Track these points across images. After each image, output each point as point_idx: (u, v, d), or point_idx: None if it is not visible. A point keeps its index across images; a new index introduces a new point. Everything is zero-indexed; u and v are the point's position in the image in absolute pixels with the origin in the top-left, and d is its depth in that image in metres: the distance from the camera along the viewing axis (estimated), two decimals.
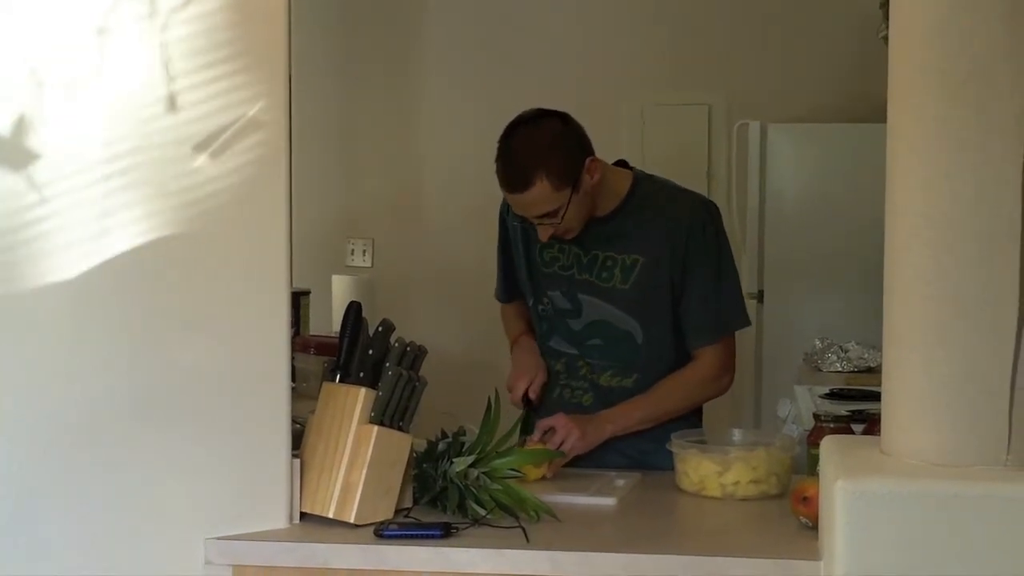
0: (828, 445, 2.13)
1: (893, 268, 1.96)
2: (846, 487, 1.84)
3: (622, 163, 2.96)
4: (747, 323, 2.89)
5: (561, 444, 2.72)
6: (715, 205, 2.91)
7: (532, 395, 2.91)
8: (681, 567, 2.14)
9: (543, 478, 2.65)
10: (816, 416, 2.63)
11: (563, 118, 2.77)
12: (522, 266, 2.98)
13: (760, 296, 5.22)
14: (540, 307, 2.96)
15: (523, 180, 2.67)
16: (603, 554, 2.18)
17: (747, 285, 5.20)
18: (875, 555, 1.82)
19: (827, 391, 4.06)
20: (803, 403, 3.93)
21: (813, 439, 2.59)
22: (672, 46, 5.53)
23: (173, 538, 2.27)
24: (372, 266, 5.77)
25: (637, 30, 5.53)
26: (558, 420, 2.75)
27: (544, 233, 2.78)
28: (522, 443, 2.66)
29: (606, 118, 5.41)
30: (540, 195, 2.68)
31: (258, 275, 2.31)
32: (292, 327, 4.06)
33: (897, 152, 1.95)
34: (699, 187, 5.42)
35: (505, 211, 3.00)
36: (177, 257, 2.25)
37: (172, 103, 2.22)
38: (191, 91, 2.23)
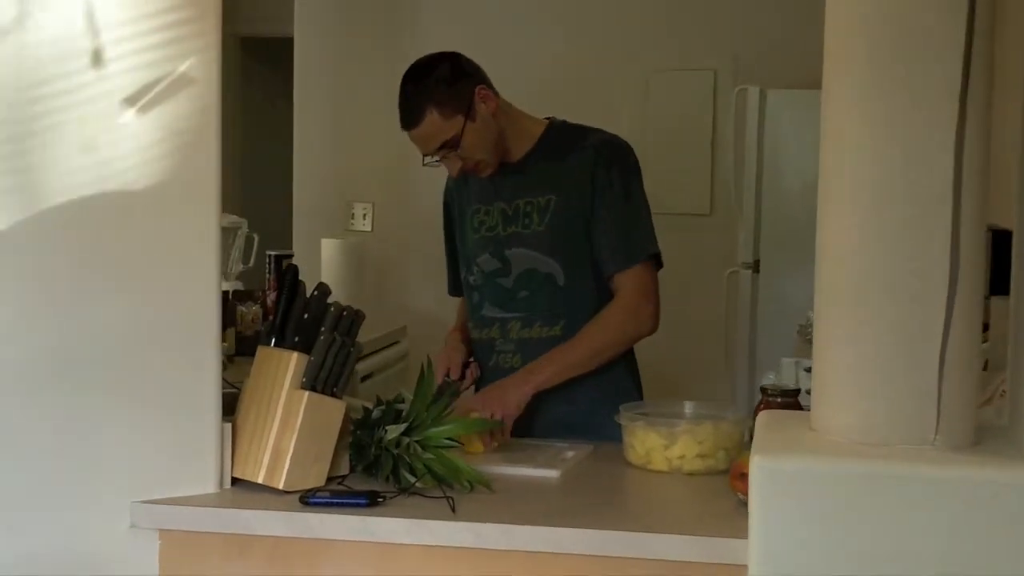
0: (762, 420, 2.04)
1: (823, 236, 1.87)
2: (760, 464, 1.76)
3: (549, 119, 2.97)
4: (657, 250, 2.84)
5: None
6: (625, 142, 2.90)
7: (453, 374, 2.94)
8: (604, 542, 2.08)
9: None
10: (763, 389, 2.53)
11: (453, 56, 2.84)
12: (461, 241, 3.00)
13: (756, 266, 5.12)
14: (471, 278, 2.96)
15: (414, 115, 2.77)
16: (527, 527, 2.12)
17: (743, 255, 5.12)
18: (788, 534, 1.74)
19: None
20: (787, 375, 3.83)
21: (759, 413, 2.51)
22: (676, 10, 5.40)
23: (99, 501, 2.23)
24: (372, 230, 5.71)
25: None
26: (475, 402, 2.73)
27: (453, 167, 2.82)
28: None
29: (608, 86, 5.33)
30: (432, 126, 2.75)
31: (187, 232, 2.26)
32: (273, 291, 4.05)
33: (829, 116, 1.86)
34: (703, 155, 5.34)
35: (446, 193, 3.05)
36: (102, 212, 2.20)
37: (98, 57, 2.17)
38: (118, 44, 2.18)
